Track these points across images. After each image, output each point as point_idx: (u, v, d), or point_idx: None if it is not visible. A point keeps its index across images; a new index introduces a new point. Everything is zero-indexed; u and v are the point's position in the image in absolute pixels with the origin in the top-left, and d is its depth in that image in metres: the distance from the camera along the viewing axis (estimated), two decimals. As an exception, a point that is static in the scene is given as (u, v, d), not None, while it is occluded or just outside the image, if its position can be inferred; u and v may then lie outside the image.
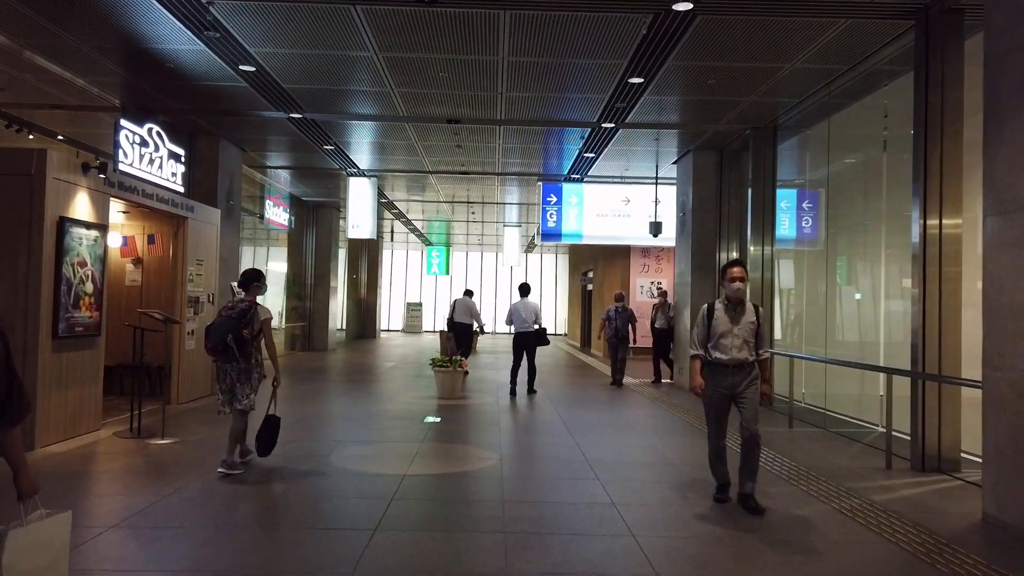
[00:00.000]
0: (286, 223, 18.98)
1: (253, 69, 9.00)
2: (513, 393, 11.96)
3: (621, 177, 15.76)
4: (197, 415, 9.34)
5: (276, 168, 15.74)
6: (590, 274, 24.37)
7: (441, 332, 17.13)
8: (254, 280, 6.35)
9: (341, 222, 23.02)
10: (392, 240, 31.22)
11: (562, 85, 9.44)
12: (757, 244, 11.51)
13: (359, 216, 16.14)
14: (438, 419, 9.33)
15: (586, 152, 13.44)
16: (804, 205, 11.75)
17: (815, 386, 10.86)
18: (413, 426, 8.87)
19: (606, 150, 13.17)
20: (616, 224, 16.20)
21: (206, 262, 10.81)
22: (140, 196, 8.80)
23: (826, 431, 9.10)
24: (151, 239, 10.50)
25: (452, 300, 15.52)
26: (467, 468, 6.70)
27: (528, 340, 12.04)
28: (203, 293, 10.72)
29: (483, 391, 12.48)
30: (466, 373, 12.68)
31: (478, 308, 15.15)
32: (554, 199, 16.22)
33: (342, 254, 28.10)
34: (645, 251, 20.55)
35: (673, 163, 14.18)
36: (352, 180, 16.09)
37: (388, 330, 33.91)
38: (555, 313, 34.47)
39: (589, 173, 15.46)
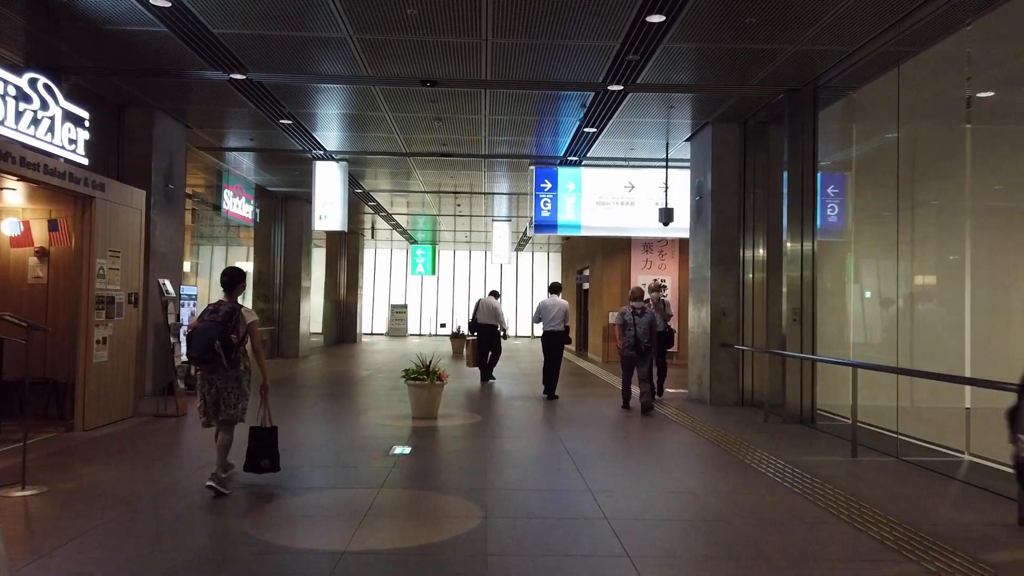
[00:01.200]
0: (250, 216, 16.88)
1: (168, 4, 6.95)
2: (553, 396, 11.59)
3: (625, 159, 13.75)
4: (104, 446, 7.27)
5: (232, 150, 13.65)
6: (586, 272, 22.36)
7: (467, 339, 15.09)
8: (239, 280, 5.77)
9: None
10: (374, 238, 29.15)
11: (562, 26, 7.41)
12: (795, 236, 9.50)
13: (327, 205, 14.06)
14: (408, 449, 7.28)
15: (586, 127, 11.42)
16: (852, 186, 9.78)
17: (879, 402, 8.90)
18: (374, 461, 6.82)
19: (610, 123, 11.15)
20: (619, 213, 14.20)
21: (125, 254, 8.71)
22: (15, 165, 6.70)
23: (899, 460, 7.12)
24: (53, 225, 8.41)
25: (476, 301, 14.48)
26: (436, 536, 4.64)
27: (557, 339, 11.83)
28: (120, 293, 8.63)
29: (467, 407, 10.43)
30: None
31: (503, 310, 14.01)
32: (548, 185, 14.20)
33: (319, 253, 26.03)
34: (647, 246, 18.58)
35: (686, 140, 12.18)
36: (319, 164, 14.01)
37: (371, 334, 31.78)
38: (547, 314, 32.43)
39: (588, 155, 13.45)
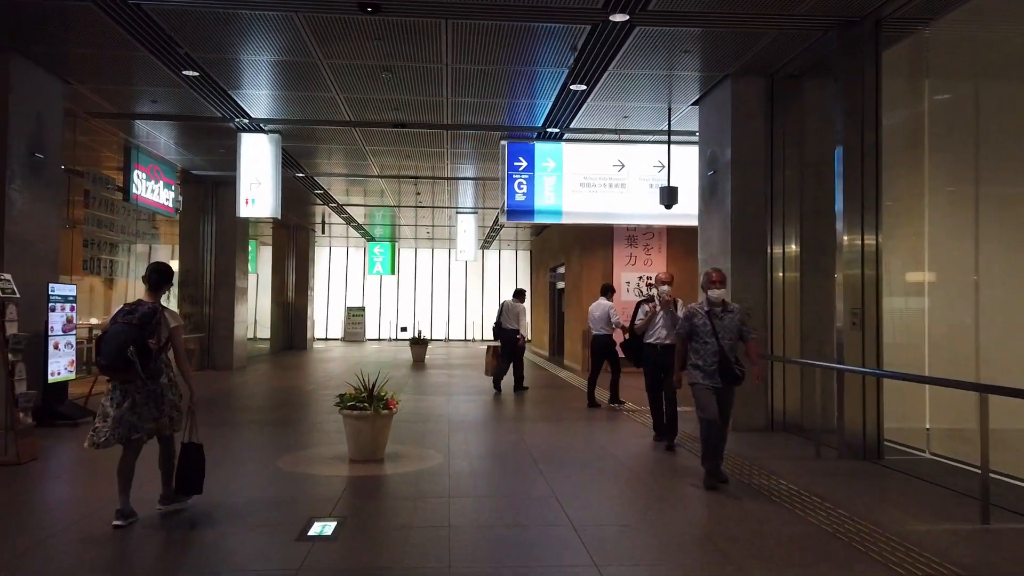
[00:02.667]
0: (170, 204, 14.15)
1: None
2: (594, 404, 10.61)
3: (616, 132, 11.37)
4: None
5: (134, 117, 10.95)
6: (560, 269, 19.99)
7: (488, 346, 13.11)
8: (167, 279, 4.98)
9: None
10: (327, 234, 26.43)
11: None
12: (853, 219, 7.22)
13: (256, 187, 11.45)
14: (332, 526, 4.76)
15: (574, 83, 9.02)
16: (917, 155, 7.54)
17: (956, 426, 6.68)
18: (274, 552, 4.31)
19: (605, 75, 8.77)
20: (607, 197, 11.83)
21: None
22: None
23: (1051, 528, 4.83)
24: None
25: (501, 302, 12.96)
26: None
27: (604, 344, 10.89)
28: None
29: (424, 438, 7.92)
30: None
31: (527, 314, 12.23)
32: (523, 164, 11.77)
33: (266, 251, 23.30)
34: (631, 238, 16.27)
35: (694, 103, 9.84)
36: (244, 137, 11.39)
37: (325, 339, 29.02)
38: (516, 316, 30.00)
39: (572, 125, 11.05)
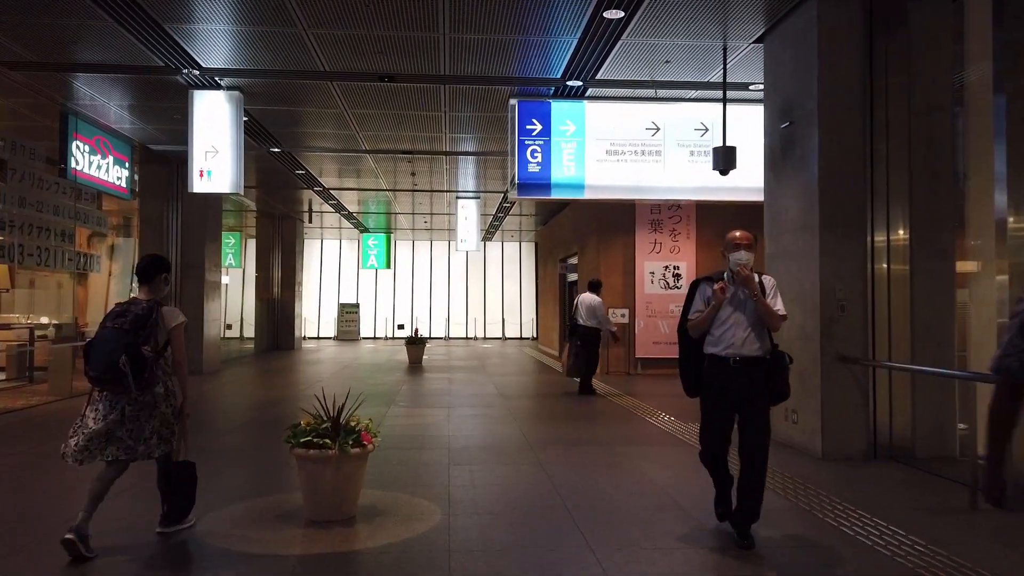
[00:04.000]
0: (123, 184, 12.02)
1: None
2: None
3: (651, 83, 9.21)
4: None
5: (59, 69, 8.79)
6: (572, 260, 17.85)
7: (566, 344, 11.57)
8: (161, 268, 4.29)
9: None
10: (317, 224, 24.30)
11: None
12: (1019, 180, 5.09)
13: (212, 158, 9.33)
14: None
15: (609, 8, 6.88)
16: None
17: None
18: None
19: (644, 4, 6.64)
20: (639, 167, 9.70)
21: None
22: None
23: None
24: None
25: (576, 298, 11.41)
26: None
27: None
28: None
29: (417, 483, 5.75)
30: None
31: (602, 306, 11.02)
32: (537, 127, 9.65)
33: (251, 242, 21.20)
34: (655, 223, 14.15)
35: (757, 39, 7.70)
36: (197, 95, 9.27)
37: (317, 337, 26.90)
38: (521, 312, 27.90)
39: (599, 75, 8.91)
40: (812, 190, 6.62)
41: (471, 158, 13.52)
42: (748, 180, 9.47)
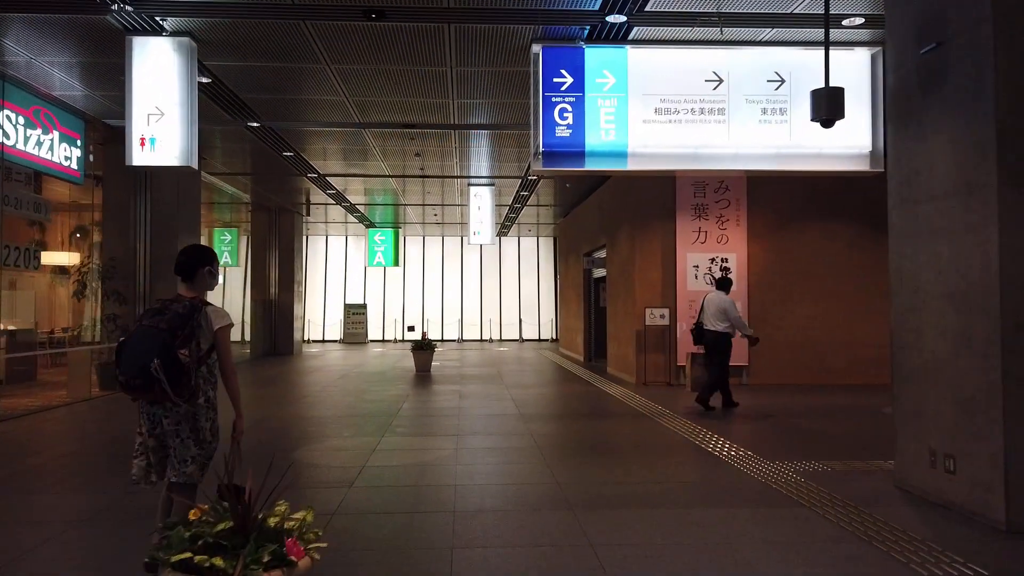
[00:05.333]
0: (74, 167, 10.06)
1: None
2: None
3: (715, 15, 7.07)
4: None
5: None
6: (599, 253, 15.73)
7: (689, 356, 10.56)
8: (203, 262, 3.62)
9: (205, 172, 14.21)
10: (325, 218, 22.34)
11: None
12: None
13: (157, 123, 7.32)
14: None
15: None
16: None
17: None
18: None
19: None
20: (697, 130, 7.59)
21: None
22: None
23: None
24: None
25: (703, 298, 9.59)
26: None
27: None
28: None
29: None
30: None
31: (734, 306, 9.19)
32: (568, 80, 7.56)
33: (242, 239, 19.31)
34: (700, 208, 12.04)
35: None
36: (135, 43, 7.26)
37: (323, 341, 24.94)
38: (539, 312, 25.79)
39: (647, 8, 6.80)
40: (982, 134, 4.46)
41: (484, 134, 11.43)
42: (839, 144, 7.38)
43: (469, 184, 15.49)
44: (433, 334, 25.15)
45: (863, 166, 7.61)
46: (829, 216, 12.17)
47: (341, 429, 7.88)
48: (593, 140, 7.51)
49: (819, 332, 12.05)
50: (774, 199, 12.15)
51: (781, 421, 8.32)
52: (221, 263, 19.96)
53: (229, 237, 21.16)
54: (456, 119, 10.40)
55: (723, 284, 9.35)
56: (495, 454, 6.66)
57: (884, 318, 12.10)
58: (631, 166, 7.56)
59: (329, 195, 16.97)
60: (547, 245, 26.00)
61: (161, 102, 7.25)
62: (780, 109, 7.54)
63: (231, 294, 20.79)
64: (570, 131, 7.50)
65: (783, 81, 7.55)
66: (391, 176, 14.73)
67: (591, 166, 7.55)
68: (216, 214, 20.88)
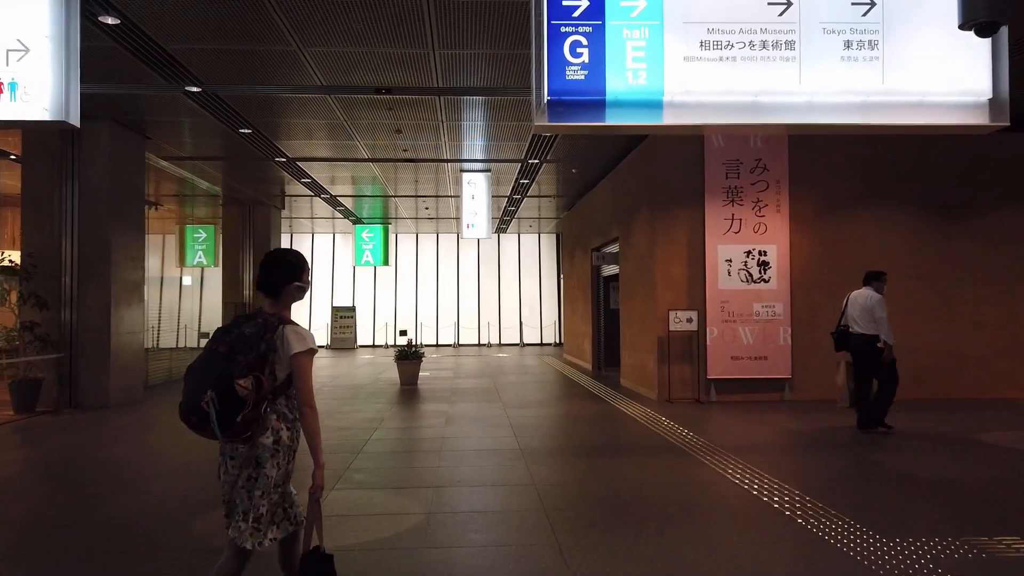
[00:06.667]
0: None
1: None
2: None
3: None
4: None
5: None
6: (610, 248, 13.71)
7: (841, 364, 8.07)
8: (289, 278, 2.96)
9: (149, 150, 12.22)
10: (310, 214, 20.37)
11: None
12: None
13: (20, 60, 5.32)
14: None
15: None
16: None
17: None
18: None
19: None
20: (758, 70, 5.55)
21: None
22: None
23: None
24: None
25: (846, 297, 8.05)
26: None
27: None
28: None
29: None
30: None
31: (883, 306, 7.63)
32: (583, 4, 5.53)
33: (219, 237, 17.36)
34: (733, 191, 10.07)
35: None
36: (-15, -52, 5.24)
37: (308, 346, 22.89)
38: (541, 315, 23.75)
39: None
40: None
41: (476, 103, 9.41)
42: (947, 89, 5.41)
43: (462, 170, 13.47)
44: (427, 339, 23.14)
45: (980, 119, 5.58)
46: (888, 201, 10.15)
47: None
48: (617, 84, 5.48)
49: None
50: (820, 180, 10.13)
51: (861, 455, 6.29)
52: (194, 263, 17.92)
53: (204, 235, 19.19)
54: (440, 79, 8.37)
55: (872, 278, 7.82)
56: (484, 525, 4.62)
57: (951, 323, 10.03)
58: (668, 119, 5.52)
59: (305, 185, 14.95)
60: (549, 242, 23.97)
61: (24, 33, 5.24)
62: (870, 42, 5.51)
63: (209, 297, 18.84)
64: (585, 72, 5.47)
65: (873, 4, 5.52)
66: (371, 160, 12.70)
67: (614, 119, 5.51)
68: (188, 209, 18.92)
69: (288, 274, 2.92)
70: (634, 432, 7.81)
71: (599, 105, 5.56)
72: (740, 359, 9.97)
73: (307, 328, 2.97)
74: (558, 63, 5.54)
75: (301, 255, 3.04)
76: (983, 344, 10.10)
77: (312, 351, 2.88)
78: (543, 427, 8.25)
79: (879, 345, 7.51)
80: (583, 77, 5.54)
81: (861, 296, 7.75)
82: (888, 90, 5.57)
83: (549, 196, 16.93)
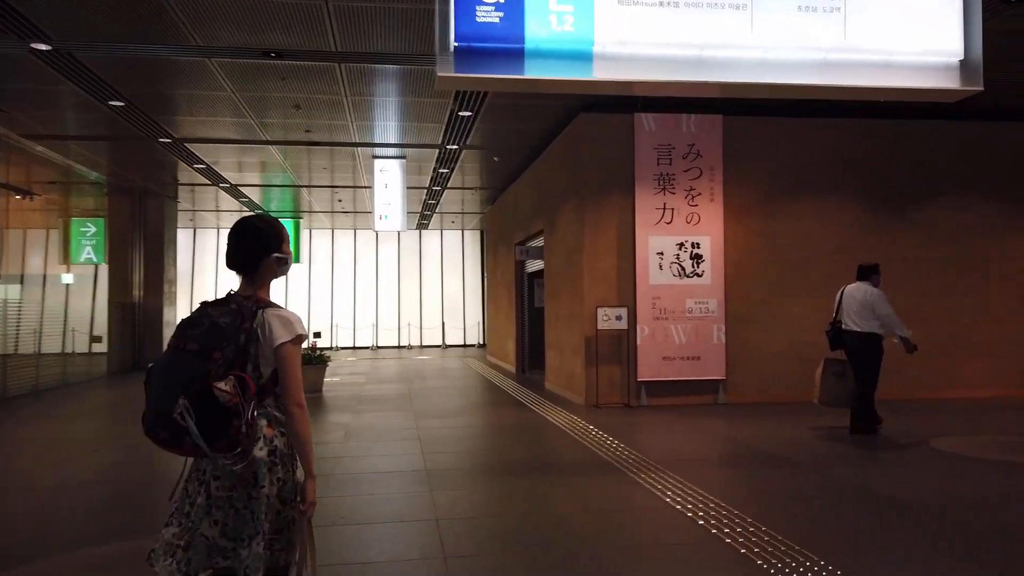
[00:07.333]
0: None
1: None
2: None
3: None
4: None
5: None
6: (535, 242, 12.78)
7: (825, 361, 7.42)
8: (267, 248, 2.43)
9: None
10: (215, 206, 18.71)
11: None
12: None
13: None
14: None
15: None
16: None
17: None
18: None
19: None
20: (704, 20, 4.67)
21: None
22: None
23: None
24: None
25: (840, 291, 7.43)
26: None
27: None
28: None
29: None
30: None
31: (885, 301, 7.07)
32: (494, -72, 4.50)
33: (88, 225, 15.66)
34: (664, 177, 9.29)
35: None
36: None
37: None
38: (464, 315, 22.70)
39: None
40: None
41: (385, 73, 8.27)
42: (916, 49, 4.69)
43: (374, 156, 12.28)
44: (344, 341, 21.75)
45: (951, 82, 4.87)
46: (828, 192, 9.56)
47: (112, 519, 4.64)
48: (538, 30, 4.50)
49: (814, 337, 9.40)
50: (757, 168, 9.46)
51: (812, 469, 5.49)
52: (83, 259, 16.04)
53: (93, 228, 17.23)
54: (337, 40, 7.20)
55: (869, 271, 7.25)
56: (364, 580, 3.53)
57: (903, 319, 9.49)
58: (599, 73, 4.57)
59: (199, 171, 13.43)
60: (474, 239, 22.94)
61: None
62: (830, -10, 4.72)
63: (102, 297, 16.97)
64: (500, 15, 4.47)
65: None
66: (270, 143, 11.36)
67: (535, 72, 4.52)
68: (75, 199, 16.98)
69: (264, 244, 2.38)
70: (559, 445, 6.85)
71: (516, 54, 4.58)
72: (672, 359, 9.17)
73: (293, 311, 2.40)
74: (468, 2, 4.51)
75: (276, 220, 2.49)
76: (924, 341, 9.61)
77: (301, 338, 2.36)
78: (456, 441, 7.19)
79: (895, 341, 6.98)
80: (497, 20, 4.56)
81: (858, 291, 7.15)
82: (850, 47, 4.80)
83: (472, 188, 15.90)
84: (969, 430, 7.28)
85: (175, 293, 16.23)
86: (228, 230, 2.42)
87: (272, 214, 18.85)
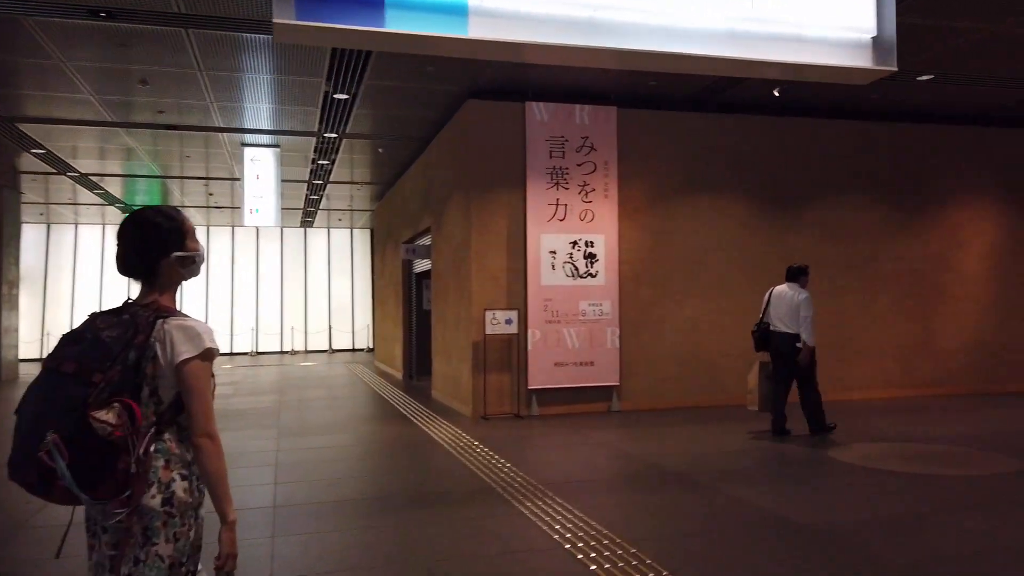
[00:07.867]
0: None
1: None
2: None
3: None
4: None
5: None
6: (423, 239, 11.88)
7: (758, 364, 7.21)
8: (168, 243, 2.00)
9: None
10: (72, 199, 16.70)
11: None
12: None
13: None
14: None
15: None
16: None
17: None
18: None
19: None
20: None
21: None
22: None
23: None
24: None
25: (768, 291, 7.23)
26: None
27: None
28: None
29: None
30: None
31: (810, 305, 6.88)
32: None
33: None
34: (557, 171, 8.65)
35: None
36: None
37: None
38: (353, 318, 21.45)
39: None
40: None
41: (241, 43, 7.18)
42: (829, 24, 4.17)
43: (243, 143, 11.04)
44: (220, 347, 20.04)
45: (863, 60, 4.40)
46: (722, 190, 9.20)
47: None
48: (399, -26, 3.65)
49: (707, 339, 9.02)
50: (651, 164, 8.98)
51: (717, 491, 4.92)
52: None
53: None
54: (181, 0, 6.08)
55: (798, 273, 7.11)
56: None
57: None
58: (475, 32, 3.78)
59: (39, 157, 11.70)
60: (363, 237, 21.74)
61: None
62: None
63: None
64: (352, -48, 3.59)
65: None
66: (117, 125, 9.93)
67: (396, 25, 3.67)
68: None
69: (159, 242, 1.97)
70: (440, 468, 6.02)
71: (376, 3, 3.71)
72: (564, 365, 8.54)
73: (202, 321, 1.96)
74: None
75: (178, 212, 2.04)
76: (817, 343, 9.44)
77: (210, 352, 1.95)
78: (319, 466, 6.22)
79: (798, 345, 6.78)
80: (349, -42, 3.66)
81: (787, 293, 7.00)
82: (759, 16, 4.23)
83: (360, 183, 14.81)
84: (861, 436, 7.00)
85: (16, 296, 14.23)
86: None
87: (134, 208, 17.06)
